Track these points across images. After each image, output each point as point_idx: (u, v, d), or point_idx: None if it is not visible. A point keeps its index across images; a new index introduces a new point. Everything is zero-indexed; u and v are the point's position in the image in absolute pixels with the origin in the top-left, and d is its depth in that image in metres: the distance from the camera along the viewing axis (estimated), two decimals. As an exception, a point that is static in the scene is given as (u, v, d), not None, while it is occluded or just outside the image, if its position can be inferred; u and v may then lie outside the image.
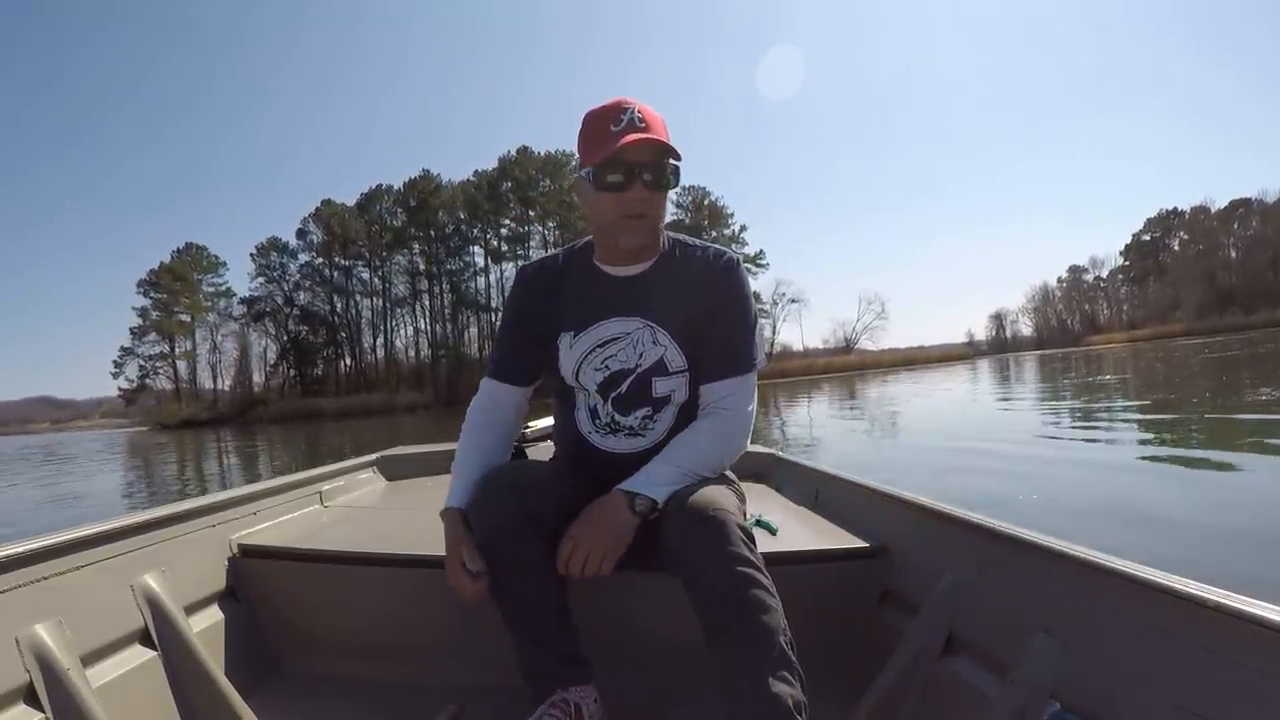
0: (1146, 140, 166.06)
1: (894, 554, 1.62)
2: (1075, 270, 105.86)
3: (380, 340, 65.41)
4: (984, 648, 1.31)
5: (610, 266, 1.55)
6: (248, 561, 1.76)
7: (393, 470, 2.92)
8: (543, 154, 62.84)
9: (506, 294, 1.69)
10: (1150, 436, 8.33)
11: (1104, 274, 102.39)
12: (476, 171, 64.58)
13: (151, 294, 60.59)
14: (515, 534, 1.35)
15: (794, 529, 1.82)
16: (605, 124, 1.40)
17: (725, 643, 1.18)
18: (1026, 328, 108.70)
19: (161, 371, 61.92)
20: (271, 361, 64.11)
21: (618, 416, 1.52)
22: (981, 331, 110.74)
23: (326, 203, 63.12)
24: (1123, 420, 10.19)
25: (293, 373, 63.67)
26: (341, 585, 1.72)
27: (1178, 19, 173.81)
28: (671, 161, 1.43)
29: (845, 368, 62.78)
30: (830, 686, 1.44)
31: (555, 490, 1.47)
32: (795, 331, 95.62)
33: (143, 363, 61.33)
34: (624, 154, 1.38)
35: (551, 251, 1.67)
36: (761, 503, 2.12)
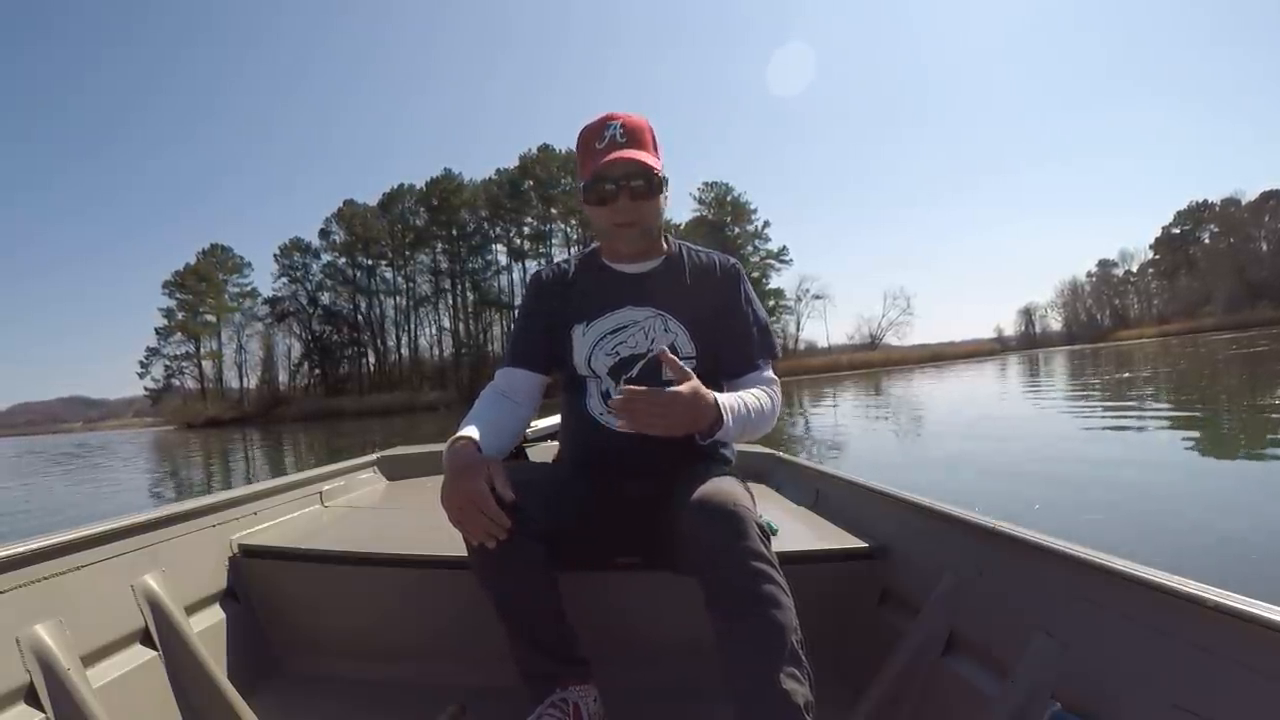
0: (1176, 133, 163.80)
1: (894, 554, 1.61)
2: (1104, 264, 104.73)
3: (404, 339, 66.02)
4: (984, 648, 1.29)
5: (619, 264, 1.66)
6: (248, 561, 1.76)
7: (393, 470, 2.93)
8: (564, 152, 62.88)
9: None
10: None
11: (1133, 268, 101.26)
12: (498, 170, 65.06)
13: (176, 295, 61.64)
14: (511, 533, 1.34)
15: (794, 529, 1.81)
16: (592, 140, 1.54)
17: (737, 637, 1.17)
18: (1056, 323, 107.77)
19: (187, 371, 63.01)
20: (295, 361, 64.88)
21: None
22: (1010, 327, 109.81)
23: (349, 203, 63.87)
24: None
25: (317, 372, 64.27)
26: (341, 585, 1.72)
27: (1204, 13, 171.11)
28: (652, 173, 1.53)
29: (870, 364, 62.33)
30: (830, 686, 1.42)
31: (552, 491, 1.48)
32: (820, 328, 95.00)
33: (168, 363, 62.46)
34: (606, 171, 1.50)
35: (564, 257, 1.77)
36: (761, 503, 2.08)
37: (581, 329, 1.60)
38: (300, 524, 2.03)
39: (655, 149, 1.56)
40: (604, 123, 1.53)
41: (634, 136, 1.52)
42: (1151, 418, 9.76)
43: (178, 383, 62.62)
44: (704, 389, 1.37)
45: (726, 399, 1.43)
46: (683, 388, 1.34)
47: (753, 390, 1.54)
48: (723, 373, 1.62)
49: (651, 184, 1.53)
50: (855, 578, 1.64)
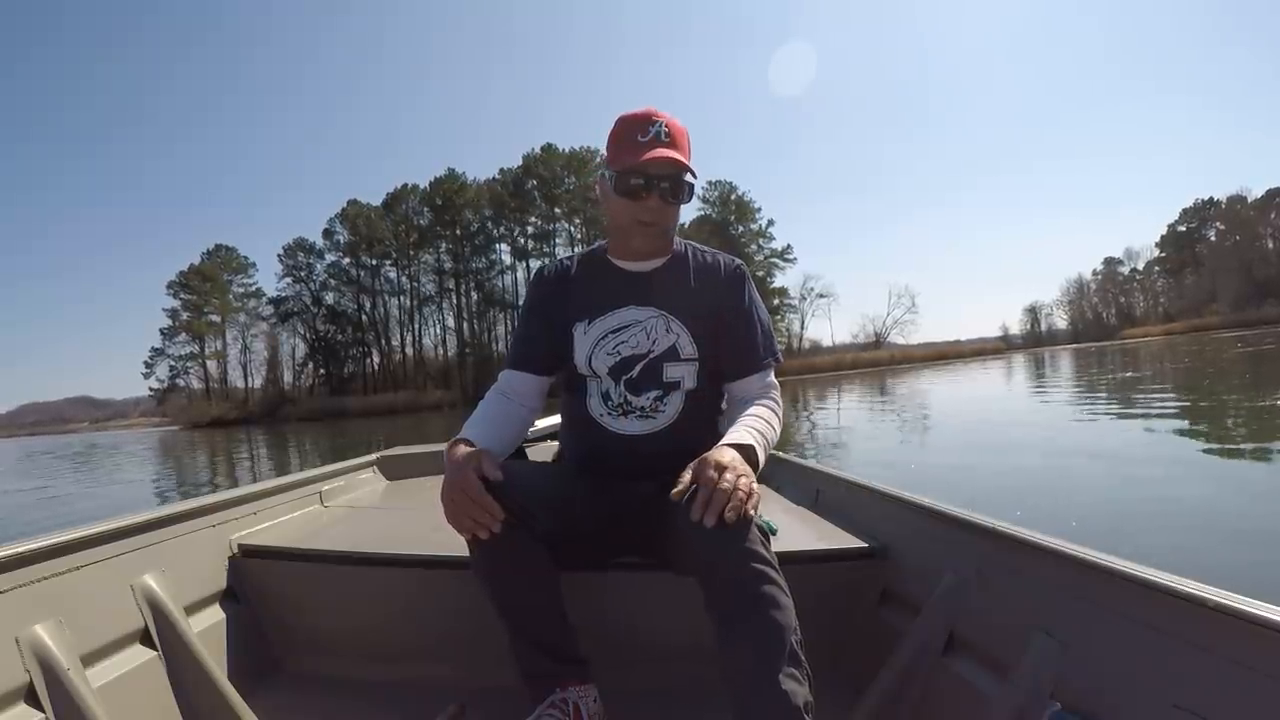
0: (1182, 131, 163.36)
1: (894, 554, 1.61)
2: (1110, 262, 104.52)
3: (408, 339, 66.10)
4: (984, 648, 1.29)
5: (624, 262, 1.64)
6: (248, 561, 1.76)
7: (393, 470, 2.93)
8: (567, 151, 63.01)
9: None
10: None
11: (1139, 266, 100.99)
12: (502, 169, 65.10)
13: (181, 295, 61.85)
14: (511, 532, 1.34)
15: (794, 529, 1.80)
16: (634, 132, 1.50)
17: (736, 638, 1.17)
18: (1061, 321, 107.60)
19: (192, 371, 63.16)
20: (300, 361, 65.01)
21: (630, 397, 1.55)
22: (1016, 325, 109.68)
23: (352, 203, 63.90)
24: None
25: (321, 372, 64.38)
26: (341, 585, 1.72)
27: (1210, 11, 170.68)
28: (688, 179, 1.53)
29: (876, 363, 62.17)
30: (830, 686, 1.42)
31: (553, 492, 1.48)
32: (824, 327, 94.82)
33: (173, 363, 62.62)
34: (646, 166, 1.48)
35: (567, 254, 1.72)
36: (762, 503, 2.07)
37: (583, 327, 1.58)
38: (300, 524, 2.03)
39: (689, 157, 1.54)
40: (649, 117, 1.50)
41: (677, 141, 1.50)
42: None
43: (183, 383, 62.85)
44: (725, 448, 1.30)
45: (745, 435, 1.38)
46: (712, 454, 1.25)
47: (755, 406, 1.51)
48: (725, 375, 1.61)
49: (685, 190, 1.53)
50: (855, 578, 1.64)
